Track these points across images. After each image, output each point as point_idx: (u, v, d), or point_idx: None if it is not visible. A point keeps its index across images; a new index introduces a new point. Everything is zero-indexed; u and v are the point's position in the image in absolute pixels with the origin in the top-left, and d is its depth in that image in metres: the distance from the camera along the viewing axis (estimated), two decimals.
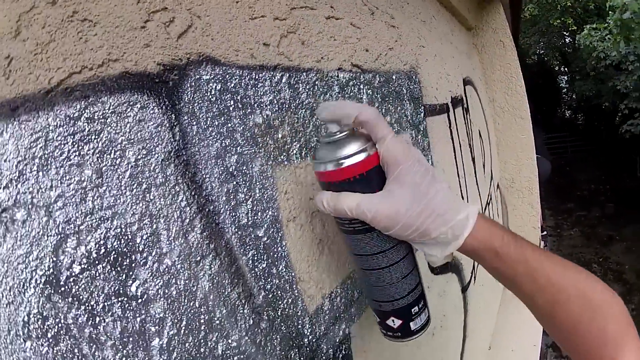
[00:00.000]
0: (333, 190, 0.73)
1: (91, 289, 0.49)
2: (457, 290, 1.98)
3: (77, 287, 0.48)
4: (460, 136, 2.27)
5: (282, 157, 0.85)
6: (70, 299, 0.47)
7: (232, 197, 0.70)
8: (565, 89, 25.84)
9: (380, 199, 0.69)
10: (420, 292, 0.83)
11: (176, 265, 0.60)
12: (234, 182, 0.71)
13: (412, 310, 0.81)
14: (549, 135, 20.51)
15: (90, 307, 0.49)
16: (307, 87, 0.97)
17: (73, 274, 0.48)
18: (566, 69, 24.15)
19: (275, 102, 0.85)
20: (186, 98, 0.65)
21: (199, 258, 0.64)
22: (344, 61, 1.14)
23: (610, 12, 12.96)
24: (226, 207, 0.69)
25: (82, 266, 0.49)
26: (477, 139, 2.75)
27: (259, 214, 0.76)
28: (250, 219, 0.74)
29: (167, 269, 0.59)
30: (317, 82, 1.01)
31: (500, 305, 3.36)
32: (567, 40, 22.65)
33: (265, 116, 0.81)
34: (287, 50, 0.92)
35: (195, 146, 0.65)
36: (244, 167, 0.74)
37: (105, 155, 0.52)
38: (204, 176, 0.66)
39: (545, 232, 5.55)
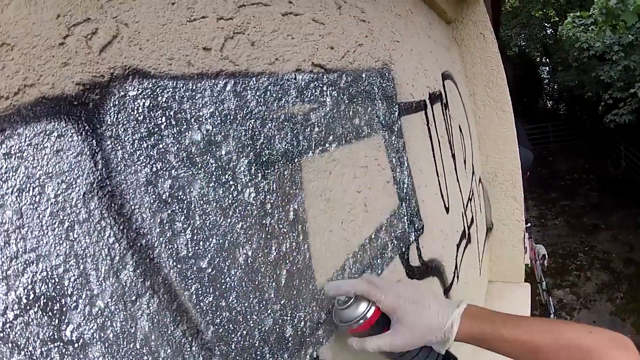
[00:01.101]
0: (357, 337, 0.99)
1: (27, 335, 0.47)
2: (438, 293, 1.94)
3: (14, 333, 0.46)
4: (439, 133, 2.19)
5: (226, 176, 0.77)
6: (10, 345, 0.46)
7: (167, 227, 0.65)
8: (547, 80, 25.97)
9: (390, 338, 0.95)
10: None
11: (110, 307, 0.56)
12: (169, 211, 0.66)
13: None
14: (531, 126, 20.66)
15: (29, 353, 0.47)
16: (257, 93, 0.88)
17: (8, 320, 0.46)
18: (547, 60, 24.20)
19: (218, 114, 0.77)
20: (109, 120, 0.59)
21: (134, 297, 0.60)
22: (303, 61, 1.06)
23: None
24: (161, 239, 0.64)
25: (15, 312, 0.47)
26: (457, 135, 2.68)
27: (201, 243, 0.70)
28: (190, 249, 0.68)
29: (100, 312, 0.55)
30: (269, 88, 0.92)
31: (485, 301, 3.34)
32: (548, 31, 22.70)
33: (204, 132, 0.74)
34: (232, 53, 0.83)
35: (120, 174, 0.59)
36: (180, 193, 0.68)
37: (24, 193, 0.49)
38: (133, 207, 0.61)
39: (529, 224, 5.49)
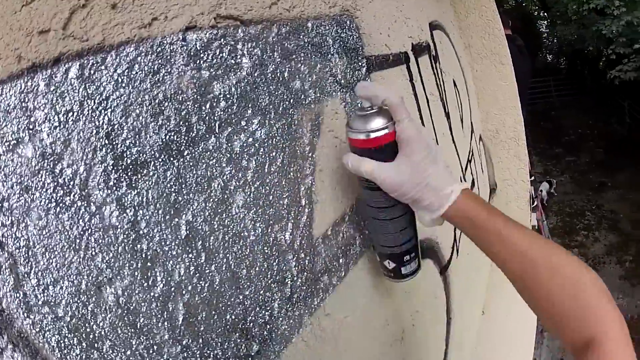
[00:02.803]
0: (358, 154, 0.90)
1: None
2: (433, 275, 1.74)
3: None
4: (428, 89, 1.88)
5: (71, 196, 0.57)
6: None
7: (8, 274, 0.51)
8: (546, 34, 25.33)
9: (390, 169, 0.86)
10: (413, 245, 1.02)
11: None
12: (6, 254, 0.51)
13: (404, 258, 1.02)
14: (533, 80, 20.37)
15: None
16: (118, 72, 0.64)
17: None
18: (545, 14, 23.50)
19: (55, 114, 0.57)
20: None
21: None
22: (200, 14, 0.77)
23: None
24: (5, 288, 0.51)
25: None
26: (451, 91, 2.39)
27: (50, 288, 0.55)
28: (40, 297, 0.54)
29: None
30: (138, 59, 0.66)
31: (491, 267, 3.03)
32: None
33: (38, 142, 0.55)
34: (80, 27, 0.61)
35: None
36: (15, 229, 0.53)
37: None
38: None
39: (533, 177, 5.30)
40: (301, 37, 0.98)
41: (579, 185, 14.37)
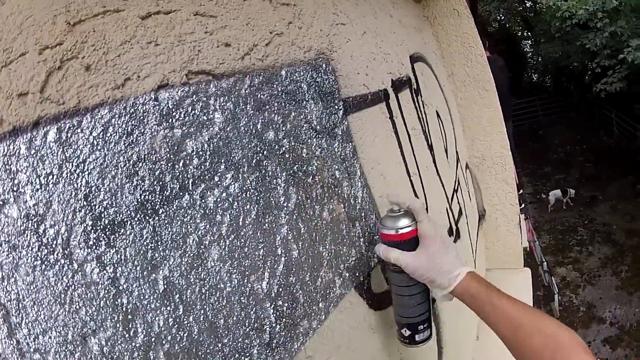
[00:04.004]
0: (387, 245, 1.11)
1: None
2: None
3: None
4: (409, 124, 1.87)
5: (55, 255, 0.59)
6: None
7: (1, 322, 0.53)
8: (530, 53, 25.52)
9: (412, 257, 1.07)
10: (427, 317, 1.19)
11: None
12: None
13: (419, 327, 1.18)
14: (518, 101, 20.41)
15: None
16: (93, 135, 0.66)
17: None
18: (529, 33, 23.75)
19: (36, 177, 0.60)
20: None
21: None
22: (172, 72, 0.79)
23: None
24: (0, 335, 0.53)
25: None
26: (434, 122, 2.38)
27: (40, 337, 0.56)
28: (31, 344, 0.55)
29: None
30: (112, 121, 0.69)
31: None
32: (528, 4, 22.27)
33: (22, 204, 0.58)
34: (56, 90, 0.63)
35: None
36: (6, 284, 0.55)
37: None
38: None
39: (523, 205, 5.27)
40: (274, 86, 0.98)
41: (570, 201, 14.34)
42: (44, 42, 0.63)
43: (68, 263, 0.61)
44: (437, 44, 3.09)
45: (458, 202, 2.61)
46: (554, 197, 13.90)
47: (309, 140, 1.07)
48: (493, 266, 3.51)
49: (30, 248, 0.58)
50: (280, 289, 0.92)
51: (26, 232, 0.58)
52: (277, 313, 0.90)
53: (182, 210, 0.74)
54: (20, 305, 0.56)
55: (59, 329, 0.58)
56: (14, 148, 0.58)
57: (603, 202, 13.82)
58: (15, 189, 0.58)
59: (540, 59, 24.29)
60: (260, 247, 0.88)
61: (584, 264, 11.28)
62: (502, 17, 23.45)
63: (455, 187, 2.61)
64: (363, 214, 1.27)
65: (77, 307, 0.61)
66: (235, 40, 0.92)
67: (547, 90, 24.27)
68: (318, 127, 1.10)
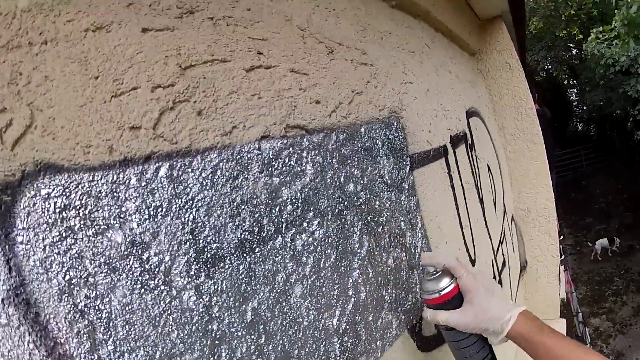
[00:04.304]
0: (433, 308, 1.08)
1: None
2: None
3: None
4: (464, 179, 1.94)
5: (156, 280, 0.64)
6: None
7: (85, 338, 0.56)
8: (576, 102, 25.11)
9: (459, 315, 1.05)
10: (491, 358, 1.13)
11: None
12: (86, 321, 0.56)
13: None
14: (564, 151, 20.04)
15: None
16: (203, 175, 0.72)
17: None
18: (575, 81, 23.48)
19: (145, 208, 0.64)
20: (19, 224, 0.52)
21: None
22: (273, 125, 0.87)
23: (616, 10, 12.38)
24: (80, 349, 0.55)
25: None
26: (485, 176, 2.44)
27: (126, 355, 0.59)
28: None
29: None
30: (220, 165, 0.75)
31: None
32: (573, 52, 22.07)
33: (128, 231, 0.61)
34: (170, 129, 0.69)
35: (33, 282, 0.53)
36: (98, 302, 0.58)
37: None
38: (48, 316, 0.53)
39: (563, 257, 5.22)
40: (355, 142, 1.07)
41: (608, 252, 14.05)
42: (156, 80, 0.68)
43: (167, 289, 0.65)
44: (490, 97, 3.15)
45: (503, 254, 2.63)
46: (600, 246, 13.66)
47: (381, 193, 1.15)
48: None
49: (131, 272, 0.61)
50: (347, 326, 0.99)
51: (129, 257, 0.61)
52: (342, 348, 0.97)
53: (275, 250, 0.82)
54: (110, 323, 0.58)
55: (147, 349, 0.62)
56: (123, 177, 0.62)
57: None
58: (122, 215, 0.61)
59: (585, 107, 23.86)
60: (335, 287, 0.96)
61: (617, 313, 11.10)
62: (550, 66, 23.29)
63: (501, 239, 2.63)
64: (421, 262, 1.32)
65: (170, 329, 0.65)
66: (324, 97, 1.02)
67: (591, 139, 23.78)
68: (389, 181, 1.18)
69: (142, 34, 0.68)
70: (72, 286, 0.56)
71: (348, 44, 1.16)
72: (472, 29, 2.87)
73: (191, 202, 0.69)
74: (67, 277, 0.56)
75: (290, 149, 0.89)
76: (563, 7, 18.40)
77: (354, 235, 1.04)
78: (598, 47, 13.84)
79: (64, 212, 0.56)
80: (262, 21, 0.91)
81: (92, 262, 0.58)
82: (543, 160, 3.22)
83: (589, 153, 21.32)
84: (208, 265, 0.71)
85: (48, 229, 0.55)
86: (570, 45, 21.30)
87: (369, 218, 1.09)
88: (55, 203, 0.56)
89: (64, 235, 0.56)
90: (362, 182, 1.08)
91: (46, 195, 0.55)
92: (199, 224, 0.70)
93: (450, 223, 1.66)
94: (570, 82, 24.54)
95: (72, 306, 0.56)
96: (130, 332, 0.60)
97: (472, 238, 1.93)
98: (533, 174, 3.25)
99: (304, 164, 0.92)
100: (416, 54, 1.67)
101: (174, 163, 0.68)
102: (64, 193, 0.56)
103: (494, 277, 2.31)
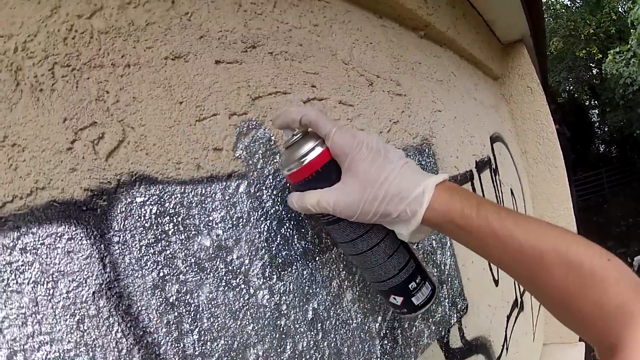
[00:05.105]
0: (300, 190, 0.75)
1: None
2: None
3: None
4: None
5: (237, 280, 0.72)
6: None
7: (174, 328, 0.62)
8: (597, 123, 24.82)
9: (336, 192, 0.71)
10: (414, 267, 0.83)
11: None
12: (176, 313, 0.63)
13: (410, 286, 0.83)
14: (585, 175, 19.78)
15: None
16: (274, 192, 0.82)
17: None
18: (596, 102, 23.20)
19: (229, 218, 0.72)
20: (116, 226, 0.58)
21: None
22: None
23: (632, 29, 12.31)
24: (167, 338, 0.62)
25: None
26: (508, 200, 2.51)
27: (208, 343, 0.66)
28: (197, 349, 0.65)
29: None
30: (288, 184, 0.84)
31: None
32: (594, 71, 21.71)
33: (215, 236, 0.70)
34: (246, 152, 0.78)
35: (128, 278, 0.58)
36: (188, 297, 0.65)
37: (39, 285, 0.50)
38: (140, 308, 0.59)
39: None
40: None
41: None
42: (232, 108, 0.76)
43: (246, 288, 0.73)
44: (512, 121, 3.22)
45: None
46: (637, 263, 13.51)
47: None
48: (551, 341, 3.49)
49: (217, 272, 0.68)
50: (387, 331, 1.08)
51: (216, 259, 0.69)
52: (382, 349, 1.05)
53: (331, 259, 0.93)
54: (197, 315, 0.64)
55: (227, 339, 0.69)
56: (210, 191, 0.70)
57: None
58: (209, 223, 0.69)
59: (606, 129, 23.36)
60: (378, 295, 1.06)
61: None
62: (572, 87, 23.13)
63: None
64: (450, 279, 1.41)
65: (247, 323, 0.72)
66: (368, 126, 1.11)
67: (612, 161, 23.30)
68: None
69: (216, 65, 0.76)
70: (165, 282, 0.62)
71: (384, 76, 1.26)
72: (495, 54, 2.96)
73: (266, 214, 0.79)
74: (161, 274, 0.62)
75: None
76: (582, 26, 18.27)
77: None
78: (616, 66, 13.62)
79: (159, 218, 0.63)
80: (313, 56, 1.00)
81: (184, 261, 0.65)
82: (564, 183, 3.28)
83: (610, 175, 20.97)
84: (279, 269, 0.80)
85: (144, 231, 0.61)
86: (591, 65, 21.14)
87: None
88: (151, 210, 0.62)
89: (159, 237, 0.62)
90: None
91: (142, 203, 0.61)
92: (272, 234, 0.79)
93: None
94: (592, 102, 24.28)
95: (164, 299, 0.62)
96: (213, 324, 0.67)
97: None
98: (555, 198, 3.31)
99: None
100: (444, 83, 1.78)
101: (251, 181, 0.77)
102: (159, 201, 0.63)
103: (516, 298, 2.37)
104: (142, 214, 0.61)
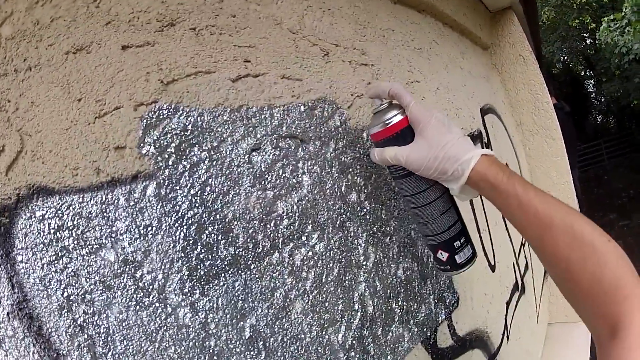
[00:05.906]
0: (380, 147, 0.94)
1: None
2: None
3: None
4: None
5: (150, 298, 0.65)
6: None
7: (85, 351, 0.58)
8: (594, 94, 24.73)
9: (409, 149, 0.90)
10: (461, 228, 0.98)
11: None
12: (86, 335, 0.59)
13: (455, 244, 0.97)
14: (584, 146, 19.72)
15: None
16: (191, 192, 0.72)
17: None
18: (591, 72, 23.07)
19: (135, 227, 0.65)
20: (18, 244, 0.56)
21: None
22: (264, 136, 0.85)
23: None
24: None
25: None
26: None
27: None
28: None
29: None
30: (210, 181, 0.75)
31: (545, 345, 2.94)
32: (588, 41, 21.56)
33: (120, 250, 0.63)
34: (154, 147, 0.70)
35: (35, 298, 0.56)
36: (96, 318, 0.60)
37: None
38: (50, 330, 0.56)
39: None
40: (357, 148, 1.03)
41: (632, 250, 13.73)
42: (138, 98, 0.69)
43: (162, 307, 0.66)
44: (506, 92, 3.10)
45: (525, 257, 2.57)
46: None
47: (388, 202, 1.11)
48: (555, 320, 3.38)
49: (125, 289, 0.63)
50: (354, 342, 0.95)
51: (123, 275, 0.63)
52: None
53: (272, 266, 0.80)
54: (109, 338, 0.60)
55: None
56: (112, 197, 0.63)
57: None
58: (113, 235, 0.63)
59: (603, 99, 23.42)
60: (339, 302, 0.92)
61: None
62: (566, 58, 23.01)
63: (523, 242, 2.58)
64: (434, 271, 1.28)
65: (167, 345, 0.65)
66: (320, 103, 0.98)
67: (610, 132, 23.31)
68: (396, 188, 1.14)
69: (122, 51, 0.68)
70: (71, 302, 0.58)
71: (346, 44, 1.12)
72: (482, 22, 2.81)
73: (181, 220, 0.70)
74: (65, 294, 0.58)
75: (284, 160, 0.88)
76: None
77: (359, 247, 1.00)
78: (611, 35, 13.43)
79: (58, 233, 0.58)
80: (249, 27, 0.89)
81: (88, 279, 0.60)
82: (563, 156, 3.16)
83: (609, 146, 20.92)
84: (202, 283, 0.71)
85: (44, 248, 0.57)
86: (585, 34, 21.01)
87: (374, 228, 1.05)
88: (49, 224, 0.58)
89: (59, 254, 0.58)
90: (365, 191, 1.04)
91: (41, 217, 0.57)
92: (190, 242, 0.70)
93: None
94: (587, 73, 24.14)
95: (72, 321, 0.58)
96: (128, 347, 0.62)
97: (491, 242, 1.87)
98: (554, 171, 3.19)
99: (299, 175, 0.89)
100: (423, 51, 1.63)
101: (161, 181, 0.68)
102: (56, 214, 0.59)
103: (516, 281, 2.26)
104: (42, 230, 0.58)
